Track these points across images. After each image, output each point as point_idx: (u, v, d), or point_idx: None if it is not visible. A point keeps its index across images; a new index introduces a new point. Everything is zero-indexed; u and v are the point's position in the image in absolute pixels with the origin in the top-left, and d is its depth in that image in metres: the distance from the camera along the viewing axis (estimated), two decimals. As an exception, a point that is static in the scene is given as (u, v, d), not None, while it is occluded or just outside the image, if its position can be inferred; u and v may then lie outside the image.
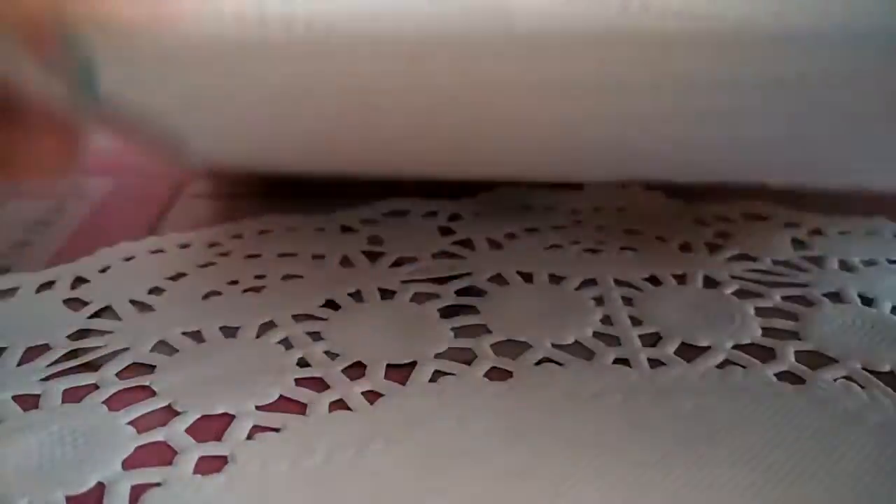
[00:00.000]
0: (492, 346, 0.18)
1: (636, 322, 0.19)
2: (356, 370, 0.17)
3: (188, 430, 0.15)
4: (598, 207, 0.24)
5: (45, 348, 0.17)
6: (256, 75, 0.13)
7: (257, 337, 0.18)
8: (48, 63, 0.12)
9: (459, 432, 0.15)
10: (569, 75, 0.13)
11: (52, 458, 0.14)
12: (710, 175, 0.18)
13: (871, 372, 0.17)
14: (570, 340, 0.18)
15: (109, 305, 0.19)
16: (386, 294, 0.20)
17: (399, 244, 0.22)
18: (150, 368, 0.17)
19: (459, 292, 0.20)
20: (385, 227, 0.23)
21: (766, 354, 0.17)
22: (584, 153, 0.16)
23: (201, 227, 0.23)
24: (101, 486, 0.14)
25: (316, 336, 0.18)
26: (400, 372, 0.17)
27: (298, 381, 0.16)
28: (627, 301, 0.19)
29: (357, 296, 0.19)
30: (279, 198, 0.25)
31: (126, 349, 0.17)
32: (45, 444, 0.14)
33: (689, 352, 0.17)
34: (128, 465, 0.14)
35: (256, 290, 0.20)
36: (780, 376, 0.17)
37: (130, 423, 0.15)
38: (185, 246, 0.22)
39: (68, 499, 0.13)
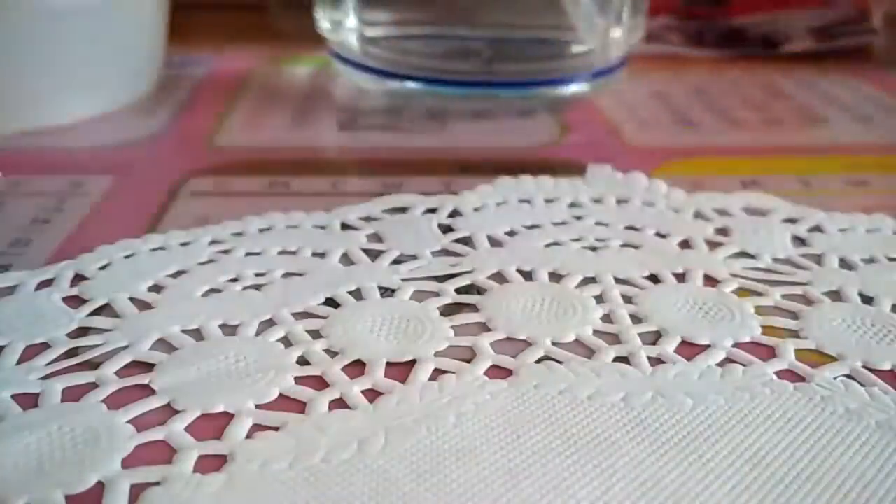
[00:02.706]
0: (492, 344, 0.18)
1: (636, 320, 0.19)
2: (356, 368, 0.17)
3: (188, 429, 0.15)
4: (598, 199, 0.24)
5: (44, 346, 0.17)
6: None
7: (257, 335, 0.18)
8: None
9: (459, 431, 0.15)
10: None
11: (51, 457, 0.14)
12: None
13: (872, 370, 0.17)
14: (571, 338, 0.18)
15: (109, 303, 0.19)
16: (386, 292, 0.20)
17: (399, 242, 0.22)
18: (150, 367, 0.17)
19: (459, 290, 0.20)
20: (385, 224, 0.23)
21: (766, 353, 0.17)
22: None
23: (202, 224, 0.22)
24: (100, 486, 0.14)
25: (315, 334, 0.18)
26: (400, 370, 0.17)
27: (298, 380, 0.16)
28: (627, 299, 0.19)
29: (357, 294, 0.19)
30: (280, 195, 0.25)
31: (125, 347, 0.17)
32: (44, 443, 0.14)
33: (689, 350, 0.18)
34: (127, 463, 0.14)
35: (256, 287, 0.20)
36: (781, 375, 0.17)
37: (130, 421, 0.15)
38: (185, 244, 0.22)
39: (67, 498, 0.13)
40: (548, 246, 0.22)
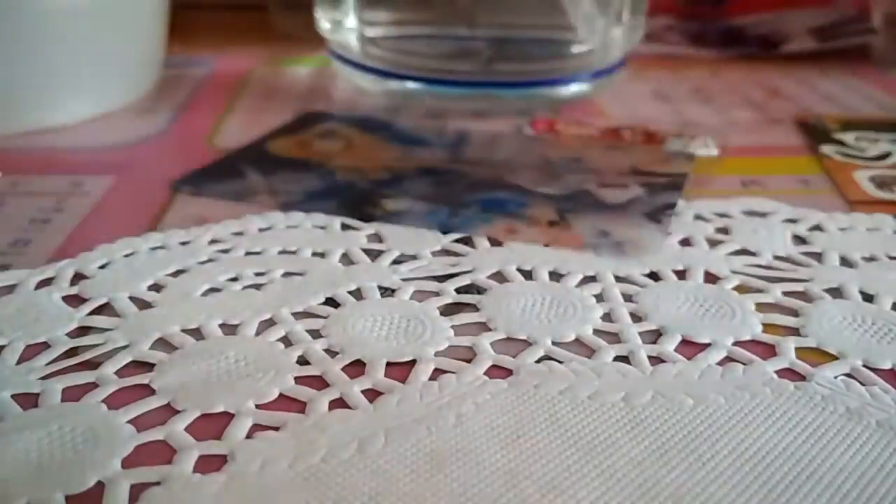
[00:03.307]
0: (492, 343, 0.18)
1: (636, 319, 0.19)
2: (356, 368, 0.17)
3: (188, 429, 0.15)
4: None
5: (44, 346, 0.17)
6: None
7: (257, 334, 0.18)
8: None
9: (459, 431, 0.15)
10: None
11: (51, 458, 0.14)
12: None
13: (872, 369, 0.17)
14: (571, 338, 0.18)
15: (109, 302, 0.19)
16: (386, 292, 0.19)
17: (399, 242, 0.22)
18: (150, 367, 0.17)
19: (459, 290, 0.20)
20: (385, 225, 0.23)
21: (766, 351, 0.17)
22: None
23: (202, 224, 0.22)
24: (100, 486, 0.14)
25: (316, 334, 0.18)
26: (400, 370, 0.17)
27: (298, 380, 0.16)
28: (628, 298, 0.19)
29: (357, 293, 0.19)
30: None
31: (125, 346, 0.17)
32: (44, 443, 0.14)
33: (690, 348, 0.17)
34: (127, 464, 0.14)
35: (257, 287, 0.20)
36: (781, 373, 0.17)
37: (130, 421, 0.15)
38: (185, 243, 0.22)
39: (67, 498, 0.13)
40: (546, 245, 0.22)
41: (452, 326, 0.18)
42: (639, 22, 0.33)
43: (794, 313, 0.19)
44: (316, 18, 0.34)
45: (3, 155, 0.27)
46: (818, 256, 0.21)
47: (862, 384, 0.16)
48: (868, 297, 0.20)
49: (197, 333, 0.18)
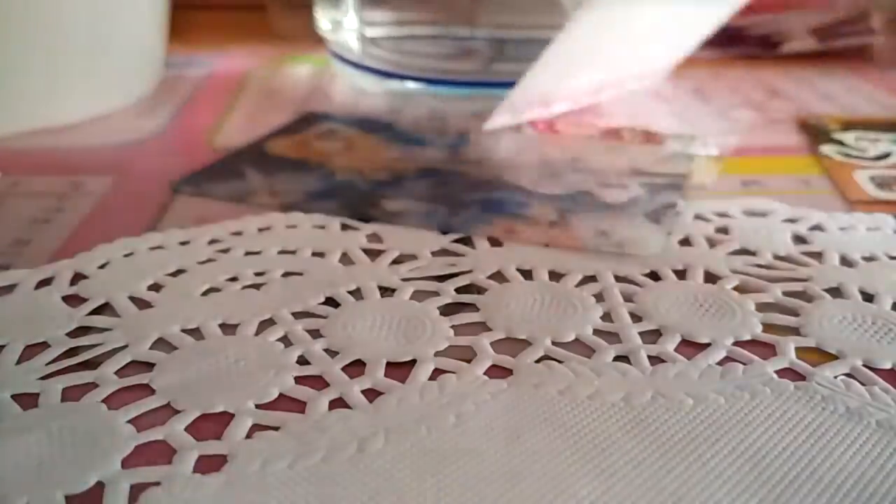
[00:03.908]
0: (492, 343, 0.18)
1: (636, 318, 0.19)
2: (356, 368, 0.17)
3: (187, 429, 0.15)
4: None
5: (44, 346, 0.17)
6: None
7: (256, 334, 0.18)
8: None
9: (459, 431, 0.15)
10: None
11: (51, 458, 0.14)
12: None
13: (872, 369, 0.17)
14: (571, 338, 0.18)
15: (108, 302, 0.19)
16: (386, 292, 0.19)
17: (399, 242, 0.22)
18: (149, 366, 0.17)
19: (459, 290, 0.20)
20: (385, 225, 0.23)
21: (766, 351, 0.17)
22: None
23: (201, 224, 0.22)
24: (100, 486, 0.14)
25: (315, 334, 0.18)
26: (400, 370, 0.17)
27: (298, 380, 0.16)
28: (627, 297, 0.19)
29: (357, 293, 0.19)
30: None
31: (125, 346, 0.17)
32: (44, 443, 0.14)
33: (690, 348, 0.17)
34: (127, 464, 0.14)
35: (256, 287, 0.20)
36: (781, 373, 0.17)
37: (129, 421, 0.15)
38: (184, 243, 0.22)
39: (67, 498, 0.13)
40: (546, 246, 0.22)
41: (452, 326, 0.18)
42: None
43: (794, 313, 0.19)
44: (316, 18, 0.34)
45: (3, 155, 0.27)
46: (818, 256, 0.21)
47: (862, 384, 0.16)
48: (868, 297, 0.20)
49: (197, 333, 0.18)
